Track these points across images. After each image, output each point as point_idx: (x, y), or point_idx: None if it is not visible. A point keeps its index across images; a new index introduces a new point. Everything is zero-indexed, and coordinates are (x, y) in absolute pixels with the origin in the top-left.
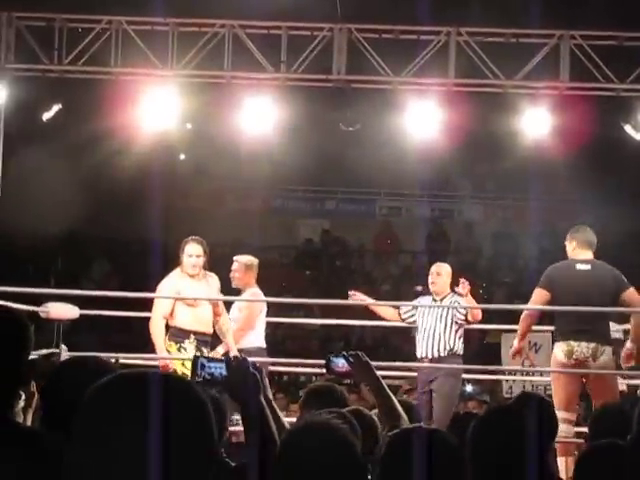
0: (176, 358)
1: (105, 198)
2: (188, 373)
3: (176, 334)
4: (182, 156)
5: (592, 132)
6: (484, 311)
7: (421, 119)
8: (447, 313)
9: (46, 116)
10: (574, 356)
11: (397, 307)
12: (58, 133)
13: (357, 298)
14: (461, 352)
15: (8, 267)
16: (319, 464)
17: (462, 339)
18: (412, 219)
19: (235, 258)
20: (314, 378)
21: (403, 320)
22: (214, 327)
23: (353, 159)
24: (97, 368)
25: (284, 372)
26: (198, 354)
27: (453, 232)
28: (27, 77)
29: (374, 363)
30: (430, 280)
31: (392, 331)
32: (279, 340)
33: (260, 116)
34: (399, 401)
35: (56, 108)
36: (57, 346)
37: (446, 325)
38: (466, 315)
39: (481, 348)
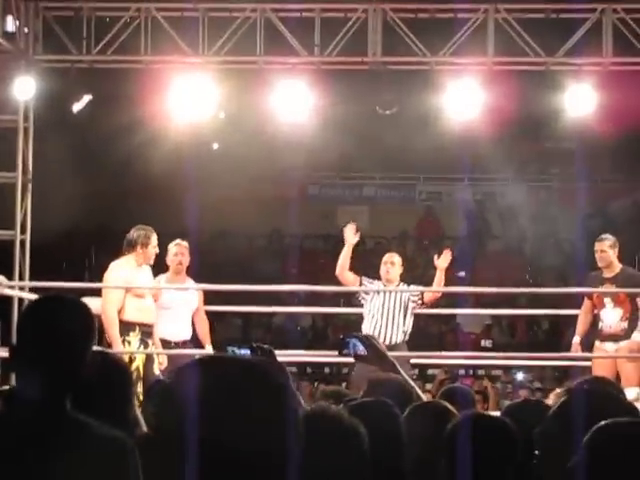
0: (133, 352)
1: (137, 190)
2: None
3: (122, 328)
4: (215, 145)
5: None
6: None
7: (460, 100)
8: (403, 299)
9: (76, 107)
10: None
11: (360, 279)
12: (89, 125)
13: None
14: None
15: (41, 263)
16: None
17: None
18: (453, 204)
19: (180, 241)
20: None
21: (356, 291)
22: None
23: (391, 143)
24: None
25: (324, 363)
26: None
27: (496, 216)
28: (56, 68)
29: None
30: (384, 269)
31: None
32: (319, 330)
33: (294, 101)
34: (445, 390)
35: (86, 99)
36: (100, 343)
37: (406, 312)
38: (422, 297)
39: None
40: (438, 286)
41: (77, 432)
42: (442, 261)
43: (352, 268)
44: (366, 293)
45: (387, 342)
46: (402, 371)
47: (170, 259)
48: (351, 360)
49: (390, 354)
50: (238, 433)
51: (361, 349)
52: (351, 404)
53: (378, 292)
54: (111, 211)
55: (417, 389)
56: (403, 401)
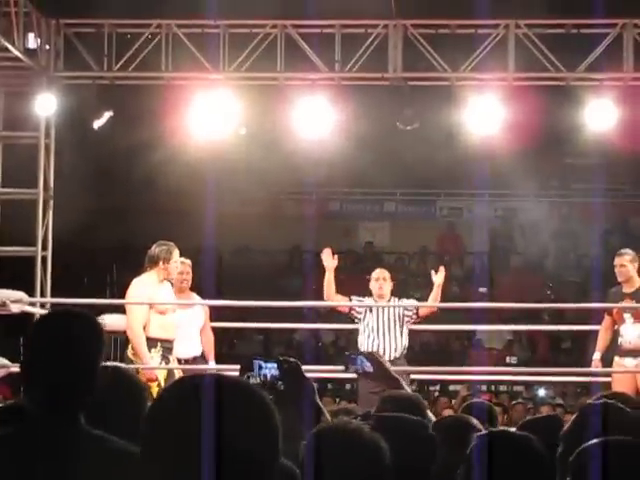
0: (160, 368)
1: (158, 206)
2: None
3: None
4: (236, 161)
5: None
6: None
7: (481, 115)
8: (398, 313)
9: (97, 124)
10: None
11: (349, 299)
12: (110, 141)
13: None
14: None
15: (62, 278)
16: (343, 469)
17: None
18: (474, 220)
19: (183, 259)
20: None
21: (350, 310)
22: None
23: (411, 159)
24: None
25: (345, 379)
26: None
27: (517, 232)
28: (77, 85)
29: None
30: (377, 285)
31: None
32: (341, 346)
33: (315, 117)
34: (467, 405)
35: (107, 115)
36: (121, 360)
37: (402, 326)
38: (417, 310)
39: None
40: (434, 301)
41: (92, 446)
42: (438, 277)
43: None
44: (357, 312)
45: (387, 358)
46: (406, 385)
47: (175, 277)
48: (354, 376)
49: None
50: (232, 438)
51: (368, 366)
52: (383, 419)
53: (383, 307)
54: (132, 227)
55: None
56: (416, 416)
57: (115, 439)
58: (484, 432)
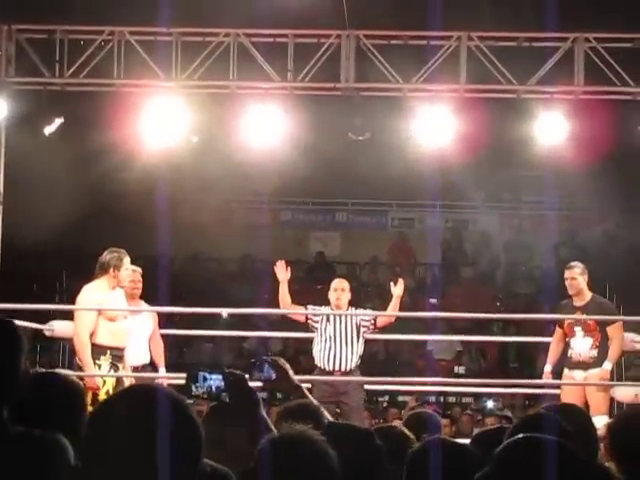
0: (108, 375)
1: (109, 213)
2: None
3: (93, 351)
4: (187, 169)
5: (610, 137)
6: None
7: (432, 126)
8: (355, 323)
9: (48, 130)
10: None
11: (305, 306)
12: (61, 147)
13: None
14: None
15: (12, 284)
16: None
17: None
18: (425, 230)
19: (134, 267)
20: None
21: (307, 320)
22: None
23: (363, 169)
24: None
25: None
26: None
27: (468, 243)
28: (28, 91)
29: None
30: (335, 295)
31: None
32: (290, 355)
33: (267, 126)
34: (411, 415)
35: (58, 122)
36: (69, 367)
37: (359, 335)
38: (375, 320)
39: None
40: (392, 312)
41: (19, 442)
42: (397, 289)
43: (325, 293)
44: (314, 322)
45: (343, 368)
46: (310, 396)
47: (126, 285)
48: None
49: (345, 379)
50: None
51: (272, 373)
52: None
53: (340, 317)
54: (83, 234)
55: (328, 416)
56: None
57: (41, 432)
58: (420, 443)
